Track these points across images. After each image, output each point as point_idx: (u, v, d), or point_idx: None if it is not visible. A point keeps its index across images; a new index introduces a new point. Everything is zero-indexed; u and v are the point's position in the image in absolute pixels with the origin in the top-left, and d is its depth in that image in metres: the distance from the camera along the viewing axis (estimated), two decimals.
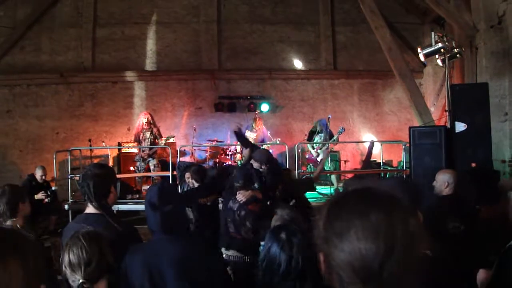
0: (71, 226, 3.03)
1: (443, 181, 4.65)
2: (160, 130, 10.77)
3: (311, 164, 10.95)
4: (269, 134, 11.46)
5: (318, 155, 10.80)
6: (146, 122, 10.43)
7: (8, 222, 3.64)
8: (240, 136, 7.02)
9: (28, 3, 13.36)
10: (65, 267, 2.29)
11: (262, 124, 11.68)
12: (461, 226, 4.25)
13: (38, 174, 9.07)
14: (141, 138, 10.42)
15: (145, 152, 10.45)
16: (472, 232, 4.25)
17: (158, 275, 2.48)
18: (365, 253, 1.11)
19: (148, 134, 10.41)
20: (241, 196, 4.64)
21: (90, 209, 3.00)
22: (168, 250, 2.53)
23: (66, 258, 2.29)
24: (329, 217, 1.21)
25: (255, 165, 5.43)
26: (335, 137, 10.68)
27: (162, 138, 10.60)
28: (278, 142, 11.29)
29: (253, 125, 11.57)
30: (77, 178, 9.56)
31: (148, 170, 10.66)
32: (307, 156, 11.16)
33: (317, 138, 10.98)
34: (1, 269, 1.09)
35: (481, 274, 3.15)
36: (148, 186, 9.80)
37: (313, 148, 10.96)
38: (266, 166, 5.46)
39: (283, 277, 2.15)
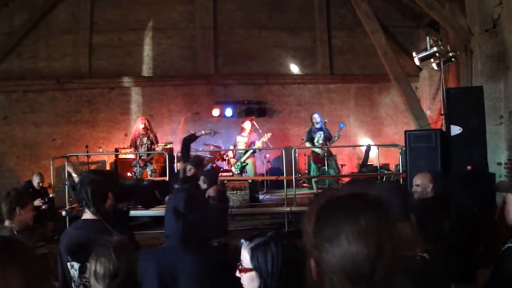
0: (69, 232, 3.03)
1: (426, 184, 4.71)
2: (157, 136, 10.76)
3: (318, 165, 10.65)
4: (266, 135, 11.27)
5: (324, 156, 10.52)
6: (142, 128, 10.41)
7: (6, 223, 3.73)
8: (185, 147, 7.23)
9: (24, 10, 13.38)
10: (90, 275, 2.26)
11: (251, 128, 11.56)
12: (452, 225, 4.31)
13: (36, 181, 9.07)
14: (138, 143, 10.39)
15: (142, 158, 10.43)
16: (464, 232, 4.29)
17: (173, 285, 2.46)
18: (356, 256, 1.13)
19: (145, 139, 10.38)
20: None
21: (87, 215, 2.98)
22: (185, 261, 2.51)
23: (92, 267, 2.26)
24: (318, 223, 1.22)
25: (203, 183, 5.97)
26: (337, 134, 10.45)
27: (159, 144, 10.58)
28: (268, 136, 11.13)
29: (244, 129, 11.45)
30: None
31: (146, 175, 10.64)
32: (311, 156, 10.98)
33: (317, 137, 10.69)
34: (0, 277, 1.08)
35: (481, 274, 3.18)
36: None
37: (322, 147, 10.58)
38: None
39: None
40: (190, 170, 6.67)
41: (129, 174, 11.18)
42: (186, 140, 7.49)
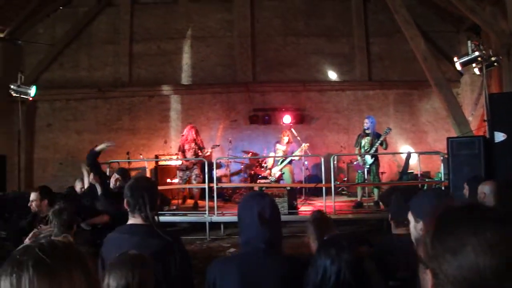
0: (116, 237, 3.04)
1: (480, 192, 4.50)
2: (203, 142, 10.94)
3: (360, 171, 10.27)
4: (303, 146, 11.10)
5: (364, 163, 10.09)
6: (193, 135, 10.65)
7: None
8: (93, 160, 7.00)
9: (66, 21, 13.84)
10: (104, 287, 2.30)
11: (291, 136, 11.42)
12: None
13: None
14: (186, 148, 10.56)
15: (189, 161, 10.60)
16: None
17: None
18: (484, 269, 1.10)
19: (193, 144, 10.61)
20: None
21: (136, 220, 3.00)
22: (269, 265, 2.48)
23: (106, 280, 2.31)
24: (438, 234, 1.20)
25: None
26: (381, 138, 9.87)
27: (205, 149, 10.70)
28: (304, 146, 10.97)
29: (283, 138, 11.36)
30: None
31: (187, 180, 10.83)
32: (354, 163, 10.81)
33: (363, 142, 10.18)
34: (67, 282, 1.12)
35: None
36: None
37: (361, 156, 10.13)
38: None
39: None
40: (117, 181, 6.27)
41: (168, 180, 11.35)
42: (91, 155, 7.31)
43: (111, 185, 6.32)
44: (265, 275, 2.43)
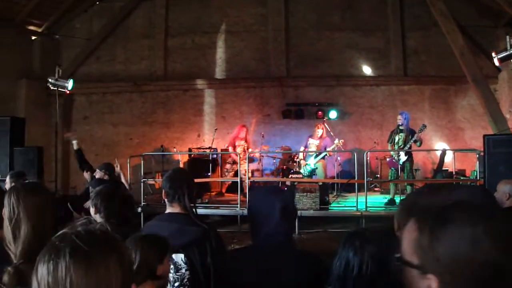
0: (155, 225, 3.11)
1: (503, 192, 4.37)
2: (250, 142, 11.65)
3: (393, 168, 10.16)
4: (337, 142, 10.99)
5: (399, 159, 9.95)
6: (245, 133, 11.45)
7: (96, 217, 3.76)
8: (80, 157, 7.09)
9: (103, 16, 14.11)
10: None
11: (325, 131, 11.42)
12: None
13: (97, 175, 9.39)
14: (236, 144, 11.33)
15: (236, 155, 11.15)
16: None
17: (273, 281, 2.44)
18: (500, 264, 1.08)
19: (242, 142, 11.32)
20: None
21: (174, 209, 3.09)
22: (287, 259, 2.47)
23: None
24: (438, 235, 1.15)
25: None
26: (415, 136, 9.74)
27: (251, 147, 11.48)
28: (338, 142, 10.91)
29: (316, 131, 11.34)
30: (151, 182, 10.18)
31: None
32: (387, 159, 10.69)
33: (397, 138, 10.03)
34: (103, 269, 1.15)
35: None
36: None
37: (394, 151, 10.02)
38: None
39: (354, 281, 2.16)
40: (103, 175, 6.30)
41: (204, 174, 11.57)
42: (77, 157, 7.50)
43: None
44: (282, 268, 2.42)
